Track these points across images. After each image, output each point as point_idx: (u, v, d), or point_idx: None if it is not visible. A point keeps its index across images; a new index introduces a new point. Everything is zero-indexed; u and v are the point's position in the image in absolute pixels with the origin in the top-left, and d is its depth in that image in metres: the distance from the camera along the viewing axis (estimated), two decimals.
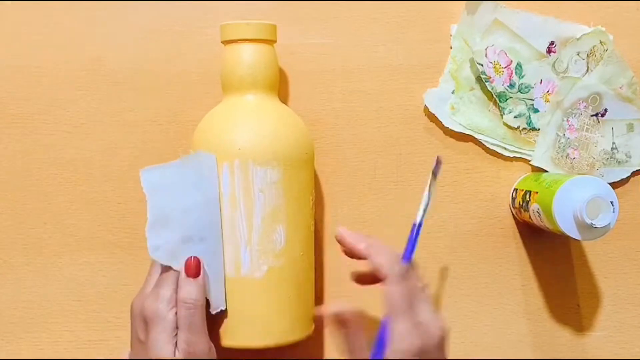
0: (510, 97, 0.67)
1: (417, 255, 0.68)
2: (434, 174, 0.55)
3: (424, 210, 0.54)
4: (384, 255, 0.52)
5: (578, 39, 0.67)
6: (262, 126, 0.57)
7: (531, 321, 0.69)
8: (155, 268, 0.56)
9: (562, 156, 0.68)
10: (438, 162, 0.55)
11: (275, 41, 0.60)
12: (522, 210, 0.65)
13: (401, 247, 0.68)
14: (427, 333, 0.50)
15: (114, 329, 0.66)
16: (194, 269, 0.53)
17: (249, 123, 0.57)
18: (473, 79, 0.67)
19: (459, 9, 0.67)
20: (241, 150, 0.55)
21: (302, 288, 0.59)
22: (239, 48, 0.59)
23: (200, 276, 0.54)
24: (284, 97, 0.67)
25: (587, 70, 0.67)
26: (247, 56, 0.58)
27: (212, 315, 0.56)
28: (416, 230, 0.54)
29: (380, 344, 0.51)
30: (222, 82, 0.60)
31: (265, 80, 0.59)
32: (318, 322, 0.62)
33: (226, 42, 0.59)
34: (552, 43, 0.67)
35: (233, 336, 0.57)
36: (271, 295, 0.57)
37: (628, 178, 0.69)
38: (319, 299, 0.65)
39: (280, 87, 0.66)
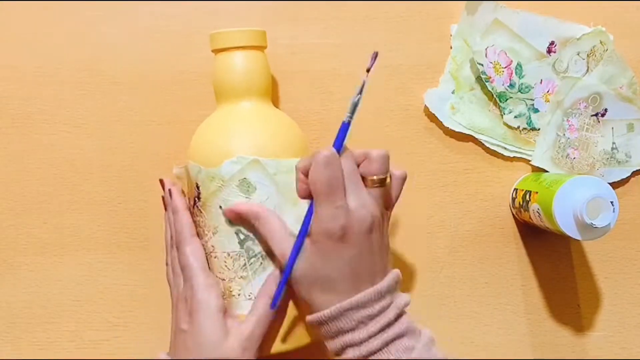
0: (510, 97, 0.67)
1: (417, 255, 0.68)
2: (368, 69, 0.53)
3: (354, 110, 0.53)
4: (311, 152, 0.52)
5: (578, 39, 0.67)
6: (260, 133, 0.57)
7: (531, 321, 0.69)
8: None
9: (562, 156, 0.68)
10: (374, 58, 0.54)
11: (265, 47, 0.60)
12: (522, 210, 0.65)
13: (402, 247, 0.68)
14: (353, 217, 0.50)
15: (114, 329, 0.66)
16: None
17: (246, 130, 0.57)
18: (473, 79, 0.67)
19: (459, 9, 0.67)
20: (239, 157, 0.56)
21: None
22: (231, 56, 0.58)
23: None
24: (283, 98, 0.67)
25: (587, 70, 0.67)
26: (240, 63, 0.58)
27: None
28: (344, 128, 0.53)
29: (304, 226, 0.51)
30: (216, 91, 0.60)
31: (260, 87, 0.59)
32: None
33: (217, 51, 0.59)
34: (552, 43, 0.67)
35: None
36: (282, 301, 0.56)
37: (628, 178, 0.69)
38: None
39: (280, 87, 0.66)
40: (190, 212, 0.59)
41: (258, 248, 0.56)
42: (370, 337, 0.49)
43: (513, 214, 0.69)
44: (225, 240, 0.56)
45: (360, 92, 0.53)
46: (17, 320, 0.66)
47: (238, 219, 0.55)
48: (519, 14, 0.67)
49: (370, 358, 0.49)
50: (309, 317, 0.51)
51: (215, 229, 0.56)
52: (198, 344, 0.52)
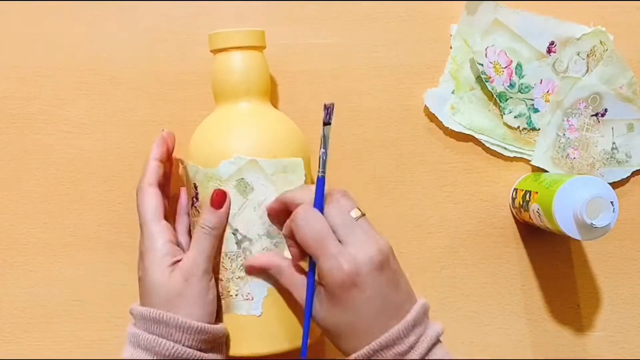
0: (510, 97, 0.67)
1: (417, 255, 0.68)
2: (325, 122, 0.52)
3: (324, 164, 0.52)
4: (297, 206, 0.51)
5: (578, 39, 0.67)
6: (260, 134, 0.57)
7: (531, 321, 0.69)
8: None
9: (562, 156, 0.68)
10: (327, 109, 0.52)
11: (264, 47, 0.60)
12: (522, 210, 0.65)
13: (402, 247, 0.68)
14: (357, 260, 0.48)
15: (114, 329, 0.66)
16: (218, 201, 0.55)
17: (244, 131, 0.57)
18: (473, 79, 0.67)
19: (459, 9, 0.67)
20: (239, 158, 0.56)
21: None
22: (229, 56, 0.58)
23: (223, 208, 0.55)
24: (283, 98, 0.67)
25: (587, 70, 0.67)
26: (239, 64, 0.58)
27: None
28: (320, 184, 0.52)
29: (309, 284, 0.51)
30: (214, 91, 0.60)
31: (258, 87, 0.59)
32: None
33: (216, 51, 0.59)
34: (552, 43, 0.67)
35: (240, 345, 0.57)
36: (278, 301, 0.56)
37: (628, 178, 0.69)
38: None
39: (279, 87, 0.66)
40: (189, 213, 0.60)
41: (255, 248, 0.56)
42: None
43: (513, 214, 0.69)
44: (223, 240, 0.56)
45: (325, 144, 0.52)
46: (17, 320, 0.66)
47: (258, 272, 0.55)
48: (519, 14, 0.67)
49: None
50: None
51: None
52: (149, 288, 0.54)
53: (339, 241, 0.49)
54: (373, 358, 0.48)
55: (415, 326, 0.49)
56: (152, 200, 0.56)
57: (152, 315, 0.53)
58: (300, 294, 0.52)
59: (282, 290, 0.56)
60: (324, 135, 0.52)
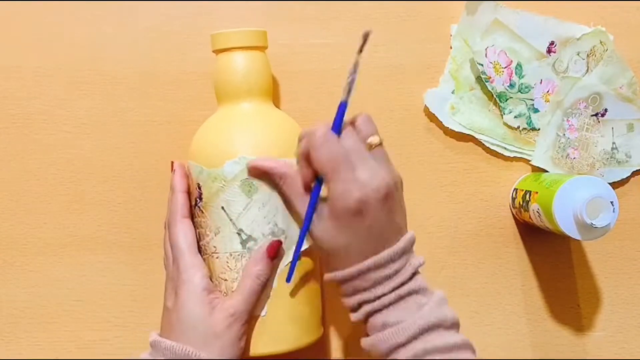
0: (510, 97, 0.67)
1: (417, 255, 0.68)
2: (360, 50, 0.52)
3: (349, 89, 0.52)
4: (307, 134, 0.52)
5: (578, 39, 0.67)
6: (262, 134, 0.57)
7: (531, 321, 0.69)
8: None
9: (562, 156, 0.68)
10: (365, 37, 0.52)
11: (266, 47, 0.60)
12: (522, 210, 0.65)
13: None
14: (367, 188, 0.50)
15: (114, 329, 0.66)
16: (275, 251, 0.55)
17: (247, 131, 0.57)
18: (473, 79, 0.67)
19: (459, 9, 0.67)
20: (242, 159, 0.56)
21: (310, 291, 0.58)
22: (232, 56, 0.58)
23: (277, 259, 0.56)
24: (284, 98, 0.67)
25: (587, 70, 0.67)
26: (241, 64, 0.58)
27: None
28: (342, 108, 0.52)
29: (311, 203, 0.52)
30: (217, 91, 0.60)
31: (260, 87, 0.59)
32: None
33: (218, 51, 0.59)
34: (552, 43, 0.67)
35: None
36: (282, 301, 0.56)
37: (628, 178, 0.69)
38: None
39: (281, 87, 0.66)
40: (192, 212, 0.60)
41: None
42: (384, 294, 0.51)
43: (513, 214, 0.69)
44: (227, 240, 0.56)
45: (354, 71, 0.52)
46: (17, 320, 0.66)
47: (260, 175, 0.55)
48: (519, 14, 0.67)
49: (383, 310, 0.51)
50: (326, 276, 0.53)
51: (217, 229, 0.56)
52: (180, 320, 0.53)
53: (352, 166, 0.50)
54: (358, 278, 0.51)
55: (402, 254, 0.52)
56: (188, 232, 0.56)
57: (189, 355, 0.52)
58: (299, 206, 0.53)
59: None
60: (356, 62, 0.52)
